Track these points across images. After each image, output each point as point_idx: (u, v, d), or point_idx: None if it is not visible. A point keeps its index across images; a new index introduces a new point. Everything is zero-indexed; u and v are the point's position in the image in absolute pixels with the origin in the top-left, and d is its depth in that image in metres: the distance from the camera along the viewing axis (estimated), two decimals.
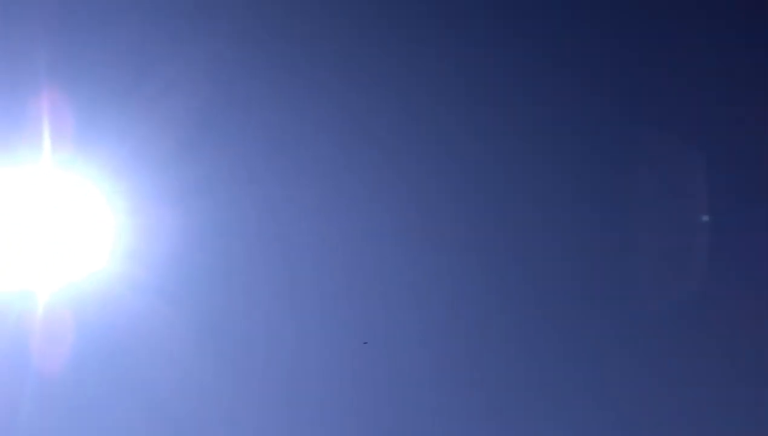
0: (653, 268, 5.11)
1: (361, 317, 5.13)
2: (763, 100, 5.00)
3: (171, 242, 5.19)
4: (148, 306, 5.19)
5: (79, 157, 5.15)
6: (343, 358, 5.10)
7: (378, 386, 5.11)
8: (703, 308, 5.03)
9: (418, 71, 5.17)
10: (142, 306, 5.14)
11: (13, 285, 5.25)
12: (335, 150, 5.20)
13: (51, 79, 5.21)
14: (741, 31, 5.08)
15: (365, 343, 5.20)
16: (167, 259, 5.14)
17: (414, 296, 5.17)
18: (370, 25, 5.26)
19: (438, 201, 5.21)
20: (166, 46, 5.24)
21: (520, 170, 5.19)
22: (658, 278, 5.16)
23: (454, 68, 5.18)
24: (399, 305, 5.18)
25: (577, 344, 5.15)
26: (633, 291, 5.20)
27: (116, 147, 5.18)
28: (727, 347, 4.97)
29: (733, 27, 5.09)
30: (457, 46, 5.17)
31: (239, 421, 5.14)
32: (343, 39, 5.19)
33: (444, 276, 5.18)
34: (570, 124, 5.15)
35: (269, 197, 5.35)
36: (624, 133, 5.25)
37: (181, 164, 5.21)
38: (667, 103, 5.11)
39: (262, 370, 5.14)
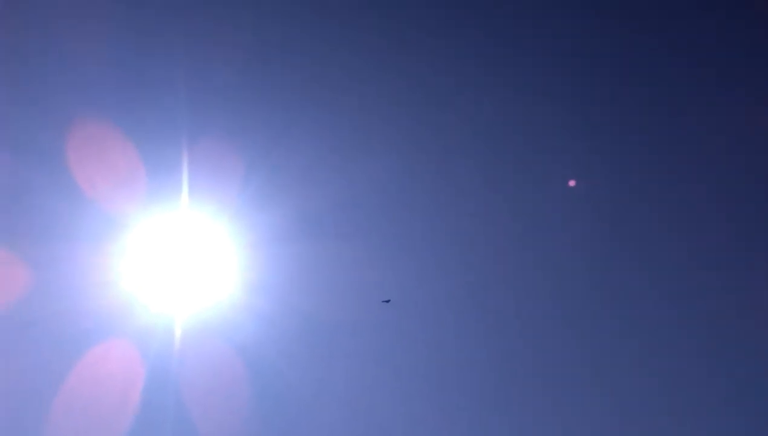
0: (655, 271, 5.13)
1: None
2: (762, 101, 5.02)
3: (289, 275, 5.57)
4: (270, 332, 5.63)
5: (209, 201, 5.54)
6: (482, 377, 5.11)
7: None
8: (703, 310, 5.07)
9: None
10: (264, 332, 5.57)
11: (154, 311, 5.82)
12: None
13: (189, 134, 5.55)
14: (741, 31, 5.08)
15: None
16: (286, 290, 5.54)
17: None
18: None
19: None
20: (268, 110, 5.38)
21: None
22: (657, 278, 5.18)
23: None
24: None
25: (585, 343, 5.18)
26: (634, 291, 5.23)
27: (239, 191, 5.58)
28: (727, 347, 5.02)
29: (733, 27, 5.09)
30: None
31: None
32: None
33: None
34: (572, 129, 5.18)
35: (381, 231, 5.55)
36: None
37: (299, 204, 5.53)
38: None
39: (382, 405, 5.30)
